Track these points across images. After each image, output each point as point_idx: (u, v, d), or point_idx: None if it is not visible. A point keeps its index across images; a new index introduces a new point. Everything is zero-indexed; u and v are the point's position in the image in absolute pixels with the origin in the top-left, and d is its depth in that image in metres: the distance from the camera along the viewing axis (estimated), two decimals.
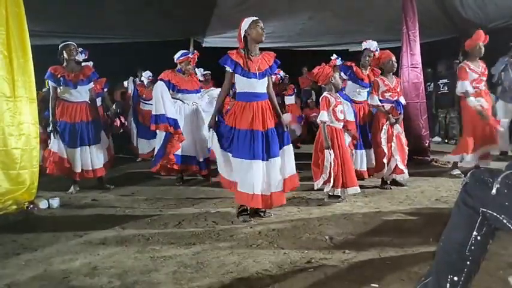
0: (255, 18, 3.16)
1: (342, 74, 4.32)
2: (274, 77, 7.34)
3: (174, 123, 4.43)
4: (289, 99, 7.85)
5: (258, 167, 3.09)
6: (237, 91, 3.26)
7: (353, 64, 4.44)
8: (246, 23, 3.15)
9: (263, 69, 3.19)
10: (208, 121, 4.79)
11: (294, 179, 3.27)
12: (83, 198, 4.17)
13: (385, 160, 4.16)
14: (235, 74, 3.15)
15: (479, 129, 4.50)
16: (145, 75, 6.71)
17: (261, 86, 3.20)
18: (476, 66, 4.50)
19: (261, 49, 3.32)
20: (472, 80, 4.48)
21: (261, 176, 3.10)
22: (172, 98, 4.59)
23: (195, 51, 5.11)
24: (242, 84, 3.18)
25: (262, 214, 3.33)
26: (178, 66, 4.75)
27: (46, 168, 4.22)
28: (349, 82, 4.48)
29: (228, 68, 3.16)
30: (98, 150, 4.43)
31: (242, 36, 3.17)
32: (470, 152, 4.52)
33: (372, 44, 4.35)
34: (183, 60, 4.71)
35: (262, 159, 3.11)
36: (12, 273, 2.31)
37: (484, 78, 4.54)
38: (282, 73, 7.66)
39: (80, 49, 4.46)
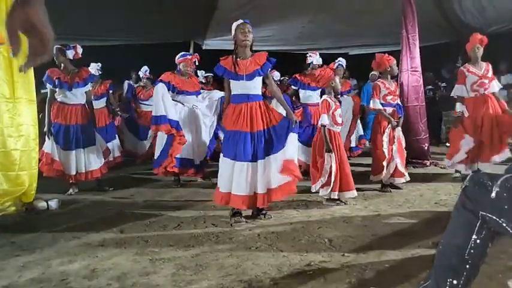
0: (240, 22, 3.20)
1: (293, 86, 5.14)
2: None
3: (176, 124, 4.37)
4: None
5: (242, 168, 3.13)
6: (231, 94, 3.32)
7: (297, 75, 5.14)
8: (233, 27, 3.23)
9: (252, 71, 3.22)
10: (208, 124, 4.80)
11: (287, 187, 3.21)
12: (82, 200, 4.16)
13: (384, 163, 4.16)
14: (227, 78, 3.27)
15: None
16: (143, 70, 6.69)
17: (251, 87, 3.23)
18: (477, 68, 4.45)
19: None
20: (472, 82, 4.42)
21: (243, 177, 3.13)
22: (172, 99, 4.56)
23: (196, 53, 5.09)
24: (232, 87, 3.27)
25: (262, 217, 3.33)
26: (178, 67, 4.73)
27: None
28: (301, 90, 5.13)
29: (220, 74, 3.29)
30: (93, 153, 4.42)
31: (234, 41, 3.27)
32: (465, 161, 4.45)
33: (316, 60, 5.08)
34: (182, 61, 4.70)
35: (248, 161, 3.14)
36: (11, 275, 2.30)
37: (487, 81, 4.36)
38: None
39: (67, 47, 4.33)
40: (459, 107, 4.50)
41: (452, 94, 4.62)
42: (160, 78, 4.60)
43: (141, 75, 6.74)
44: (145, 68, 6.69)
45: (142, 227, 3.18)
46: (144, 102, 6.61)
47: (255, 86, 3.24)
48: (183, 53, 4.84)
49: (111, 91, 6.01)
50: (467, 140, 4.42)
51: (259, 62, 3.24)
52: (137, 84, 6.94)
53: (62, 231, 3.13)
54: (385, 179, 4.24)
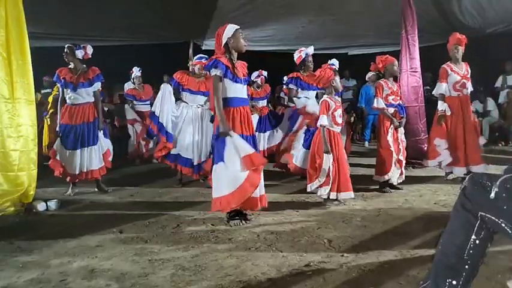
0: (237, 27, 3.17)
1: (291, 85, 4.84)
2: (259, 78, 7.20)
3: (160, 127, 4.56)
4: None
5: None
6: (222, 97, 3.20)
7: (296, 74, 4.86)
8: (229, 30, 3.14)
9: (246, 75, 3.28)
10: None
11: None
12: (81, 201, 4.16)
13: (393, 162, 4.16)
14: (224, 79, 3.12)
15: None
16: (136, 70, 6.61)
17: (245, 91, 3.28)
18: (459, 68, 4.41)
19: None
20: (454, 82, 4.38)
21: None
22: (179, 99, 4.71)
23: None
24: (230, 89, 3.16)
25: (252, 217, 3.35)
26: (194, 68, 4.78)
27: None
28: (301, 90, 4.85)
29: (217, 72, 3.08)
30: (95, 153, 4.42)
31: (223, 43, 3.15)
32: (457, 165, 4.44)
33: (310, 50, 4.83)
34: (197, 63, 4.75)
35: None
36: (9, 276, 2.30)
37: (467, 82, 4.37)
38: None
39: (76, 47, 4.35)
40: (441, 105, 4.47)
41: (434, 92, 4.59)
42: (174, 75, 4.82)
43: (137, 75, 6.59)
44: (137, 68, 6.61)
45: (142, 228, 3.18)
46: (146, 103, 6.57)
47: (246, 91, 3.31)
48: (199, 55, 4.90)
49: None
50: (439, 142, 4.48)
51: (244, 69, 3.30)
52: (132, 87, 6.82)
53: (61, 231, 3.13)
54: (394, 178, 4.23)
